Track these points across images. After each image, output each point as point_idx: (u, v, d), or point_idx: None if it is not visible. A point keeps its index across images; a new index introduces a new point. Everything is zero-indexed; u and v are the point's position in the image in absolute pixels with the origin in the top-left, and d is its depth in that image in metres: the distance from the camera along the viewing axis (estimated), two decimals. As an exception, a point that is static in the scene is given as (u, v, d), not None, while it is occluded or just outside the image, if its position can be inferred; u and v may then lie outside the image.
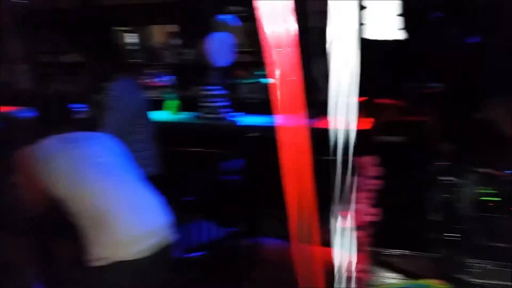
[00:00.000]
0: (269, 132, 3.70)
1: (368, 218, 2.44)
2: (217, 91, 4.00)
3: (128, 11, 4.87)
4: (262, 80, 4.37)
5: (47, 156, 1.86)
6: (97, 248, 1.76)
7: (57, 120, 2.07)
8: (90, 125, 2.84)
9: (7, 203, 2.27)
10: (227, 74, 4.14)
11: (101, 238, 1.77)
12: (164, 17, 4.77)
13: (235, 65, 4.04)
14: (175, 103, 4.52)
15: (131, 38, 5.18)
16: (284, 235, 3.64)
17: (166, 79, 4.90)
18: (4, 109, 5.03)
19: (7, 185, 2.28)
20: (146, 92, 3.65)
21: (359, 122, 1.81)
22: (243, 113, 4.14)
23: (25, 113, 4.68)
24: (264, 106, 4.27)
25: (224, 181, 2.88)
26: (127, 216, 1.81)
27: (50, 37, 5.55)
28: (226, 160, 3.09)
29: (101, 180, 1.86)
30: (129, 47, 5.16)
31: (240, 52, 4.04)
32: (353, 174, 1.82)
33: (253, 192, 3.16)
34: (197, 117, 4.17)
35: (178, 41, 4.89)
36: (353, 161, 1.76)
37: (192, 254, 2.50)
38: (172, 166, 2.86)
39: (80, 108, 4.29)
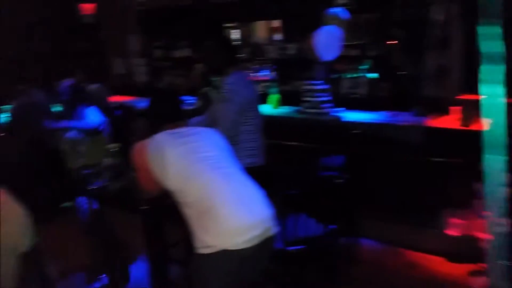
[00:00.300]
0: (373, 129, 3.62)
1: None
2: (320, 85, 3.94)
3: (235, 7, 5.01)
4: (367, 75, 4.21)
5: (159, 150, 1.95)
6: (204, 236, 1.83)
7: (169, 112, 2.16)
8: (199, 118, 2.99)
9: (127, 184, 2.47)
10: (331, 68, 4.06)
11: (208, 227, 1.83)
12: (271, 13, 4.81)
13: (339, 59, 3.93)
14: (276, 97, 4.56)
15: (235, 34, 5.33)
16: (383, 237, 3.57)
17: (268, 74, 4.96)
18: (122, 98, 5.53)
19: (127, 168, 2.48)
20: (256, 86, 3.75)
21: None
22: (344, 109, 4.03)
23: (140, 103, 5.12)
24: (367, 102, 4.16)
25: (324, 177, 2.82)
26: (233, 207, 1.86)
27: (165, 33, 5.91)
28: (327, 156, 3.03)
29: (209, 173, 1.92)
30: (235, 43, 5.33)
31: (346, 46, 3.93)
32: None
33: (354, 190, 3.06)
34: (298, 111, 4.15)
35: (281, 36, 4.92)
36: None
37: (291, 248, 2.49)
38: (272, 159, 2.88)
39: (190, 101, 4.54)
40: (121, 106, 4.58)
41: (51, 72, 5.47)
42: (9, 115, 4.39)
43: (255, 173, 2.43)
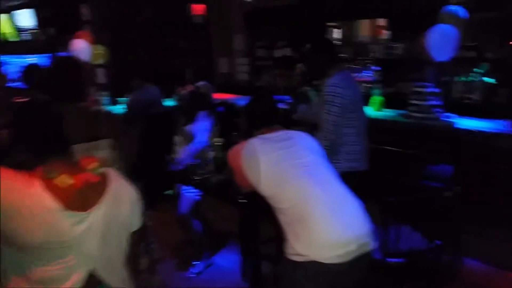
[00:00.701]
0: (489, 139, 3.27)
1: None
2: (430, 88, 3.67)
3: (338, 6, 4.89)
4: (483, 79, 3.84)
5: (252, 156, 1.92)
6: (296, 244, 1.78)
7: (265, 116, 2.12)
8: (297, 120, 2.97)
9: (228, 177, 2.53)
10: (443, 70, 3.76)
11: (300, 236, 1.77)
12: (377, 11, 4.61)
13: (453, 61, 3.63)
14: (378, 99, 4.37)
15: (337, 33, 5.21)
16: (490, 258, 3.22)
17: (371, 74, 4.77)
18: (225, 96, 5.73)
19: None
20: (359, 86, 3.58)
21: None
22: (456, 115, 3.71)
23: (241, 101, 5.26)
24: (482, 108, 3.78)
25: (430, 187, 2.62)
26: (328, 219, 1.77)
27: (268, 33, 6.00)
28: (435, 165, 2.81)
29: (303, 180, 1.85)
30: (337, 42, 5.22)
31: (460, 47, 3.61)
32: None
33: (462, 205, 2.80)
34: (403, 115, 3.92)
35: (387, 35, 4.69)
36: None
37: (390, 259, 2.35)
38: (373, 165, 2.75)
39: (288, 101, 4.54)
40: (223, 103, 4.73)
41: (163, 68, 5.87)
42: (125, 107, 4.80)
43: (356, 178, 2.33)
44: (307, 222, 1.76)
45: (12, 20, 7.42)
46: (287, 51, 5.75)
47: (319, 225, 1.75)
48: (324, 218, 1.76)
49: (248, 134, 2.08)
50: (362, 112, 2.71)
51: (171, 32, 6.24)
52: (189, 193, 3.05)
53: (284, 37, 5.77)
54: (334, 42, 4.92)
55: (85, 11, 5.84)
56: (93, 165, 1.43)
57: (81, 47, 5.18)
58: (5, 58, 8.48)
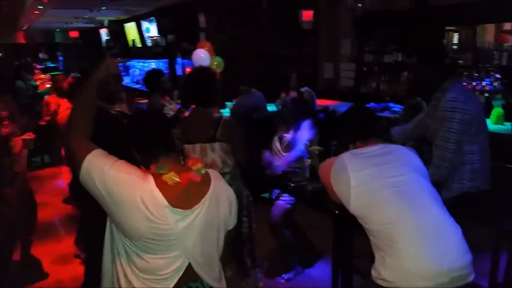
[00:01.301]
0: None
1: None
2: None
3: (459, 9, 4.53)
4: None
5: (342, 172, 1.80)
6: (382, 269, 1.66)
7: (360, 129, 1.98)
8: (403, 126, 2.80)
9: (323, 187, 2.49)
10: None
11: (387, 262, 1.65)
12: (505, 14, 4.18)
13: None
14: (499, 111, 3.95)
15: (455, 37, 4.83)
16: None
17: (491, 83, 4.34)
18: (327, 102, 5.66)
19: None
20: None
21: None
22: None
23: (343, 108, 5.14)
24: None
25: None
26: (417, 246, 1.63)
27: (377, 37, 5.80)
28: None
29: (396, 202, 1.70)
30: (453, 48, 4.85)
31: None
32: None
33: None
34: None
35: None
36: None
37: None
38: (494, 184, 2.45)
39: (396, 109, 4.32)
40: (325, 109, 4.68)
41: (269, 74, 6.01)
42: (228, 111, 4.99)
43: (479, 198, 2.12)
44: (395, 248, 1.64)
45: (138, 27, 8.21)
46: (398, 57, 5.50)
47: (408, 252, 1.62)
48: (414, 245, 1.63)
49: (344, 146, 2.00)
50: (484, 126, 2.43)
51: (280, 38, 6.36)
52: (282, 201, 3.07)
53: (396, 42, 5.52)
54: (448, 49, 4.58)
55: (202, 20, 6.25)
56: (197, 165, 1.50)
57: (203, 56, 5.55)
58: (131, 61, 9.48)
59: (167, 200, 1.38)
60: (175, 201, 1.40)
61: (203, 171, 1.50)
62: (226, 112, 5.07)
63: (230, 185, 1.65)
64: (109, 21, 9.44)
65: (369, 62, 5.97)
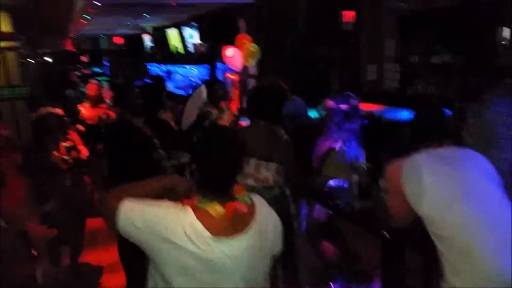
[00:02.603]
0: None
1: None
2: None
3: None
4: None
5: (415, 173, 1.73)
6: (454, 279, 1.61)
7: (434, 129, 1.88)
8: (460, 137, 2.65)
9: (372, 205, 2.43)
10: None
11: (460, 270, 1.60)
12: None
13: None
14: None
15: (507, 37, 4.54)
16: None
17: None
18: (371, 107, 5.50)
19: (374, 188, 2.43)
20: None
21: None
22: None
23: (389, 113, 5.00)
24: None
25: None
26: (496, 255, 1.58)
27: (424, 37, 5.59)
28: None
29: (471, 207, 1.65)
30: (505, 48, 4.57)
31: None
32: None
33: None
34: None
35: None
36: None
37: None
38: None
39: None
40: (369, 115, 4.53)
41: (309, 77, 5.94)
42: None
43: None
44: (469, 255, 1.59)
45: (180, 34, 8.35)
46: (446, 57, 5.26)
47: (484, 258, 1.57)
48: (491, 252, 1.57)
49: (411, 152, 1.86)
50: None
51: (321, 40, 6.26)
52: (323, 213, 2.99)
53: (444, 42, 5.29)
54: (500, 49, 4.31)
55: (242, 25, 6.26)
56: (241, 193, 1.47)
57: (233, 54, 5.58)
58: (172, 67, 9.67)
59: (209, 231, 1.36)
60: (219, 230, 1.38)
61: (248, 200, 1.48)
62: None
63: (277, 203, 1.65)
64: (153, 27, 9.68)
65: (415, 63, 5.76)
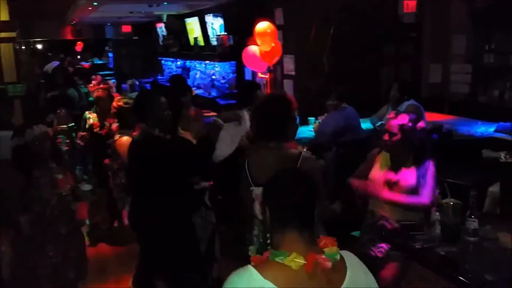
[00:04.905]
0: None
1: None
2: None
3: None
4: None
5: None
6: None
7: None
8: None
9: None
10: None
11: None
12: None
13: None
14: None
15: None
16: None
17: None
18: (436, 116, 5.36)
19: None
20: None
21: None
22: None
23: (463, 126, 4.83)
24: None
25: None
26: None
27: (503, 33, 5.43)
28: None
29: None
30: None
31: None
32: None
33: None
34: None
35: None
36: None
37: None
38: None
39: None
40: (438, 129, 4.40)
41: (362, 80, 5.81)
42: (312, 131, 4.88)
43: None
44: None
45: (202, 23, 8.34)
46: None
47: None
48: None
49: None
50: None
51: (375, 34, 6.14)
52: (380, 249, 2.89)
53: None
54: None
55: (278, 15, 6.20)
56: (331, 248, 1.44)
57: (253, 52, 5.56)
58: (190, 63, 9.68)
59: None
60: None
61: (337, 257, 1.44)
62: (308, 132, 5.07)
63: None
64: (168, 15, 9.68)
65: (490, 64, 5.60)
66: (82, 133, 4.66)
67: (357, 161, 3.36)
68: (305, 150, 2.51)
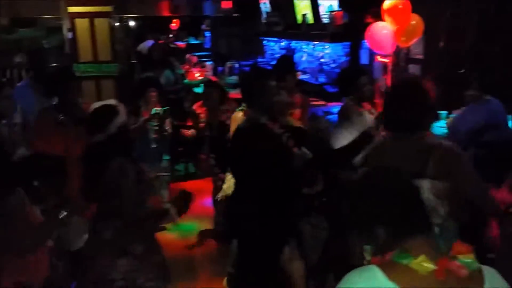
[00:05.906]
0: None
1: None
2: None
3: None
4: None
5: None
6: None
7: None
8: None
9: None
10: None
11: None
12: None
13: None
14: None
15: None
16: None
17: None
18: None
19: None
20: None
21: None
22: None
23: None
24: None
25: None
26: None
27: None
28: None
29: None
30: None
31: None
32: None
33: None
34: None
35: None
36: None
37: None
38: None
39: None
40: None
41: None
42: (445, 127, 4.55)
43: None
44: None
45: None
46: None
47: None
48: None
49: None
50: None
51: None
52: None
53: None
54: None
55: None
56: (468, 255, 1.44)
57: (382, 31, 5.25)
58: (296, 43, 9.53)
59: None
60: None
61: (474, 266, 1.45)
62: (438, 128, 4.83)
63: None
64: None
65: None
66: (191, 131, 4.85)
67: (501, 167, 3.28)
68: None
